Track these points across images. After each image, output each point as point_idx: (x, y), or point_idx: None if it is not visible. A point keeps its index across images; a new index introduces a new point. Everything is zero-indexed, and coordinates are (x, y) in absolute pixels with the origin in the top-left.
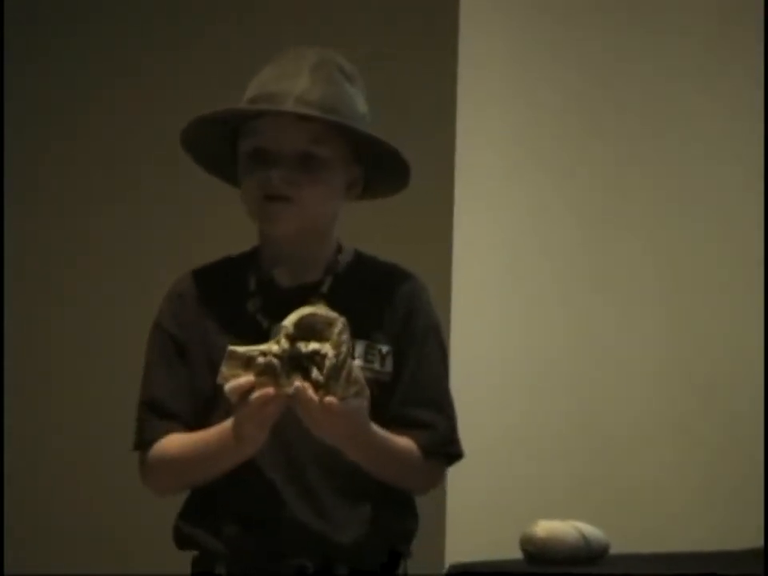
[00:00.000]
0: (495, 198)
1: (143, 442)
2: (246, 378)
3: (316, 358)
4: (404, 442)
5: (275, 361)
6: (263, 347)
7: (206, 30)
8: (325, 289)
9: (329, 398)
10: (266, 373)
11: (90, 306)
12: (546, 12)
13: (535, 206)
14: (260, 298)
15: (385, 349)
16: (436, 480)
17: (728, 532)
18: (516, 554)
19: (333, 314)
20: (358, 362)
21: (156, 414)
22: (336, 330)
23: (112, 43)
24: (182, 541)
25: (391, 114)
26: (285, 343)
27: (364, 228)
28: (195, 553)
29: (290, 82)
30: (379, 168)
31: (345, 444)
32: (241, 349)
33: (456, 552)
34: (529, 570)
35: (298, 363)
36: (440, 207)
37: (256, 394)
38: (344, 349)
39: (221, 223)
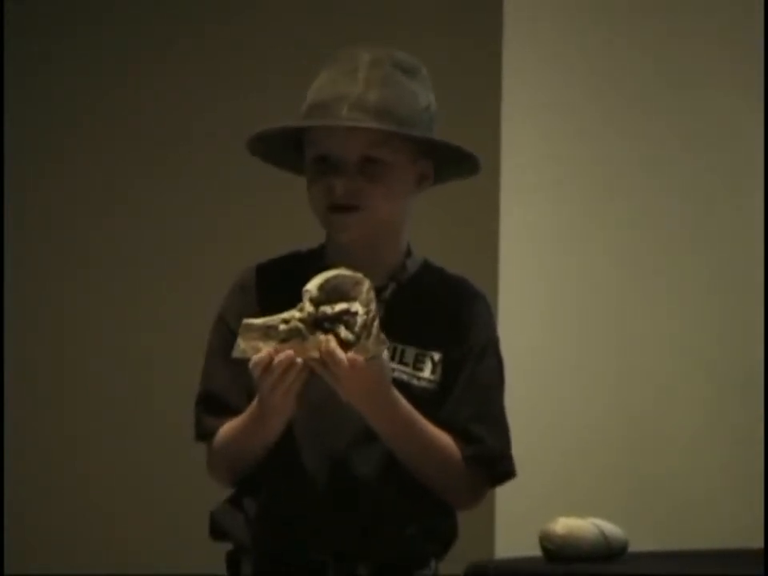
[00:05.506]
0: (542, 195)
1: (200, 436)
2: (267, 350)
3: (345, 317)
4: (442, 434)
5: (300, 325)
6: (285, 315)
7: (210, 30)
8: (387, 295)
9: (352, 355)
10: (291, 338)
11: (89, 305)
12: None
13: (582, 207)
14: None
15: (437, 357)
16: (479, 495)
17: (754, 531)
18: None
19: (359, 274)
20: (404, 368)
21: (212, 407)
22: (364, 287)
23: (112, 44)
24: (215, 531)
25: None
26: (309, 307)
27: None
28: (230, 547)
29: (344, 87)
30: (448, 157)
31: (372, 410)
32: (258, 320)
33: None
34: (547, 567)
35: (322, 327)
36: (486, 204)
37: (277, 360)
38: (373, 306)
39: (222, 220)
